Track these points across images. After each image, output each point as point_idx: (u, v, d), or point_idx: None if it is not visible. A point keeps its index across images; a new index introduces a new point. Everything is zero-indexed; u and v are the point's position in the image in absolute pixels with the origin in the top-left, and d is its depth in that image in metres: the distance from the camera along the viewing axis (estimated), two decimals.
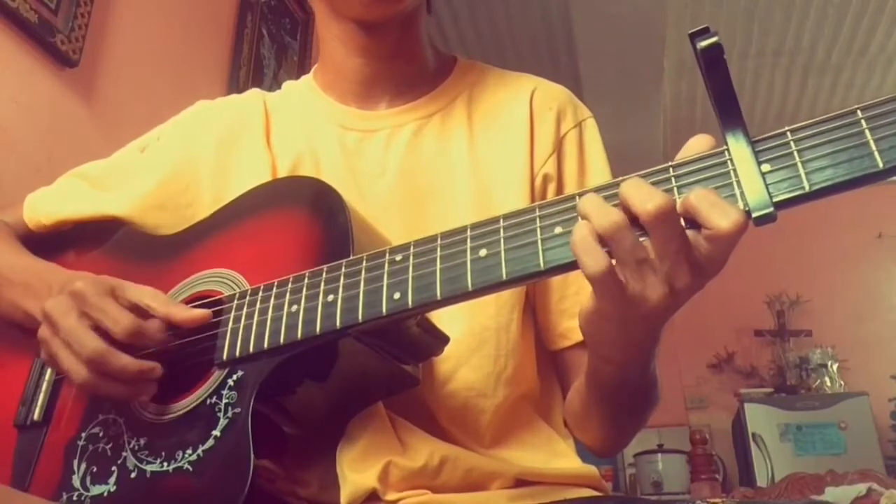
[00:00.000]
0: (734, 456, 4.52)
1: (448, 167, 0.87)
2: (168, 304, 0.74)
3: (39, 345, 0.74)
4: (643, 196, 0.53)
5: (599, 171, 0.88)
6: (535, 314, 0.87)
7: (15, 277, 0.83)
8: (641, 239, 0.54)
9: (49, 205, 0.95)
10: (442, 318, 0.71)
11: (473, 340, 0.79)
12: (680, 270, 0.54)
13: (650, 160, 0.57)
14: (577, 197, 0.57)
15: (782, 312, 4.83)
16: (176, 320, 0.73)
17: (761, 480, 3.94)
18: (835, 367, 4.55)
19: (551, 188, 0.86)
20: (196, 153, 0.93)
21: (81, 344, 0.70)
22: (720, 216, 0.51)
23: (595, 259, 0.54)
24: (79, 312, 0.71)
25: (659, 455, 4.31)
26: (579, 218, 0.56)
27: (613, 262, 0.55)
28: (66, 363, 0.71)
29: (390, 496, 0.70)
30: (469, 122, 0.90)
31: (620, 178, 0.56)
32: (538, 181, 0.86)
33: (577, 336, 0.81)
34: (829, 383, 4.51)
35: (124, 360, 0.69)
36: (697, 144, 0.56)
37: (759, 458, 4.08)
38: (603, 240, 0.54)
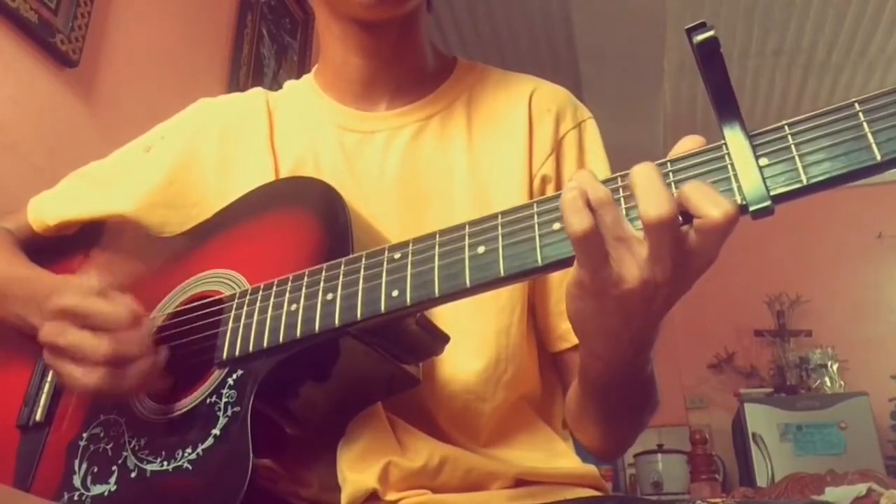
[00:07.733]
0: (734, 456, 4.51)
1: (447, 170, 0.86)
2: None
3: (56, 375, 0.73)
4: (651, 199, 0.52)
5: (600, 171, 0.87)
6: (534, 316, 0.86)
7: (17, 291, 0.82)
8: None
9: (53, 206, 0.94)
10: (442, 322, 0.71)
11: (473, 344, 0.79)
12: (663, 261, 0.54)
13: (650, 160, 0.57)
14: None
15: (782, 312, 4.82)
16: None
17: (761, 480, 3.93)
18: (835, 367, 4.54)
19: (550, 189, 0.86)
20: (200, 151, 0.93)
21: (94, 349, 0.68)
22: (712, 206, 0.51)
23: (580, 218, 0.53)
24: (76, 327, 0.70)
25: (659, 455, 4.31)
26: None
27: None
28: (80, 373, 0.68)
29: (390, 496, 0.70)
30: (468, 124, 0.90)
31: (621, 173, 0.56)
32: (536, 182, 0.86)
33: (576, 338, 0.81)
34: (829, 383, 4.50)
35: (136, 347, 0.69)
36: (689, 144, 0.57)
37: (759, 458, 4.07)
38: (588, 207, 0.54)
